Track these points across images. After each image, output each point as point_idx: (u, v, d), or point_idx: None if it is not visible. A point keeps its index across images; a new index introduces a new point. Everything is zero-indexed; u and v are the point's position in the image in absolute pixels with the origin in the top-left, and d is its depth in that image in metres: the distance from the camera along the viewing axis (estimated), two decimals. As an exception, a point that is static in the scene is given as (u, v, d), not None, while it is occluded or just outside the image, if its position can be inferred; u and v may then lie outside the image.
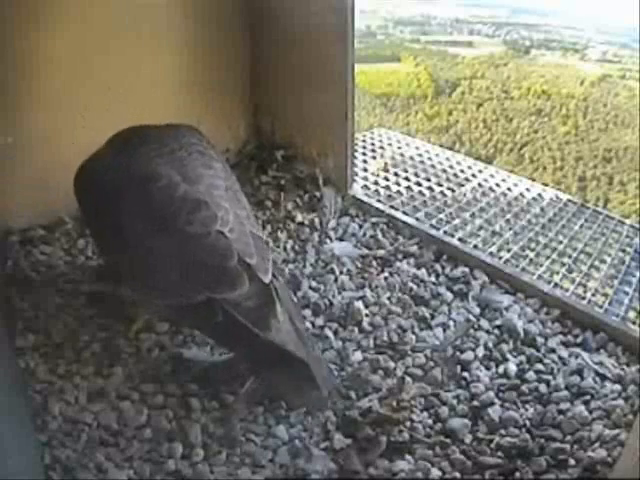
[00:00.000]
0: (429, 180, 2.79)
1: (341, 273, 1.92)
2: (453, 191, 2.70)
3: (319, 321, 1.72)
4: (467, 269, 1.94)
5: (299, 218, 2.18)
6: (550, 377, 1.54)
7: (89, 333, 1.62)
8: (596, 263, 2.28)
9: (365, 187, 2.61)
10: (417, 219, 2.30)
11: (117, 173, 1.51)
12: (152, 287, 1.47)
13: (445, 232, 2.26)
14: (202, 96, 2.33)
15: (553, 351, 1.63)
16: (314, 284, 1.86)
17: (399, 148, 3.19)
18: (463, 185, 2.78)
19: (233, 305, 1.37)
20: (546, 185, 3.11)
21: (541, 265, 2.19)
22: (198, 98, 2.32)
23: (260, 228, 1.63)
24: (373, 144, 3.21)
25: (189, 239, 1.40)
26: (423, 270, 1.94)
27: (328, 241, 2.08)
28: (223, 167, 1.64)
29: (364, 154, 3.05)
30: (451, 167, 2.99)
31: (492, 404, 1.45)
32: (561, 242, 2.38)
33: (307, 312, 1.75)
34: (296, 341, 1.38)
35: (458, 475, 1.30)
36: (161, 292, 1.46)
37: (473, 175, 2.93)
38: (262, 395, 1.45)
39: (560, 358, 1.61)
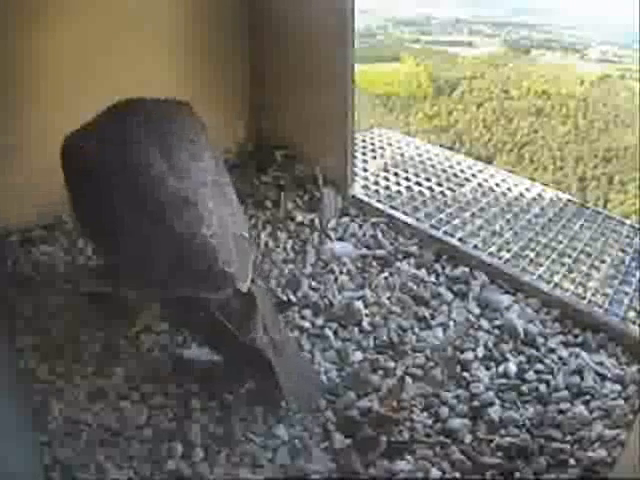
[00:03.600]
0: (429, 180, 2.78)
1: (341, 273, 1.92)
2: (453, 191, 2.69)
3: (319, 321, 1.72)
4: (467, 269, 1.94)
5: (299, 218, 2.18)
6: (550, 377, 1.54)
7: (89, 333, 1.62)
8: (596, 263, 2.28)
9: (365, 187, 2.61)
10: (417, 219, 2.30)
11: (106, 154, 1.49)
12: (135, 273, 1.48)
13: (445, 232, 2.26)
14: (202, 96, 2.32)
15: (553, 351, 1.63)
16: (314, 284, 1.86)
17: (399, 148, 3.19)
18: (463, 185, 2.78)
19: (217, 306, 1.37)
20: (546, 185, 3.11)
21: (541, 265, 2.18)
22: (198, 98, 2.31)
23: (245, 224, 1.59)
24: (373, 144, 3.21)
25: (175, 237, 1.39)
26: (423, 270, 1.94)
27: (328, 241, 2.08)
28: (212, 156, 1.60)
29: (364, 154, 3.05)
30: (451, 167, 2.99)
31: (492, 404, 1.45)
32: (561, 242, 2.38)
33: (307, 312, 1.75)
34: (268, 351, 1.37)
35: (458, 475, 1.30)
36: (144, 280, 1.46)
37: (473, 175, 2.92)
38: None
39: (560, 358, 1.61)
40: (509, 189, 2.82)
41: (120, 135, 1.52)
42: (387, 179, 2.75)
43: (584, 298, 2.03)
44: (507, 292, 1.85)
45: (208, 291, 1.38)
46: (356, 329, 1.69)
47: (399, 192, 2.62)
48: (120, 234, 1.46)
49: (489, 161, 9.71)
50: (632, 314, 1.96)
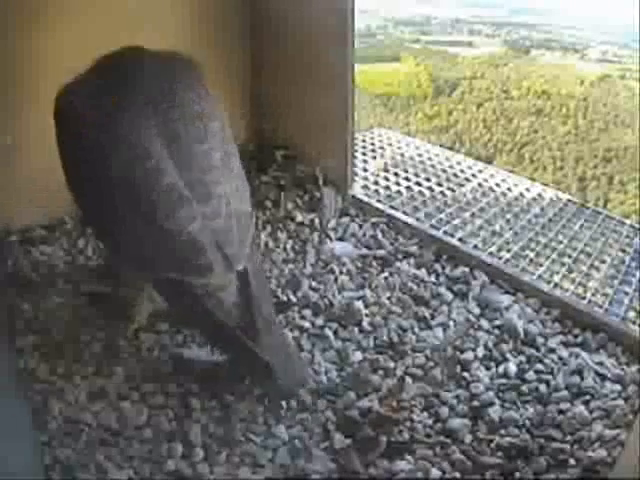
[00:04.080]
0: (429, 180, 2.79)
1: (341, 273, 1.92)
2: (453, 191, 2.70)
3: (319, 321, 1.72)
4: (467, 269, 1.94)
5: (299, 218, 2.18)
6: (550, 377, 1.54)
7: (89, 333, 1.62)
8: (596, 263, 2.28)
9: (365, 187, 2.61)
10: (417, 219, 2.30)
11: (103, 128, 1.41)
12: (122, 252, 1.49)
13: (445, 232, 2.26)
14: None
15: (553, 351, 1.63)
16: (314, 284, 1.86)
17: (399, 148, 3.19)
18: (463, 185, 2.78)
19: (207, 292, 1.38)
20: (546, 185, 3.11)
21: (541, 265, 2.19)
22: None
23: (247, 195, 1.56)
24: (373, 144, 3.21)
25: (165, 234, 1.39)
26: (423, 270, 1.94)
27: (328, 241, 2.08)
28: (218, 126, 1.53)
29: (364, 154, 3.05)
30: (451, 167, 2.99)
31: (492, 404, 1.45)
32: (561, 242, 2.38)
33: (307, 312, 1.75)
34: (260, 335, 1.38)
35: (458, 475, 1.30)
36: (133, 261, 1.47)
37: (473, 175, 2.93)
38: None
39: (560, 358, 1.61)
40: (509, 189, 2.83)
41: (120, 106, 1.43)
42: (387, 179, 2.75)
43: (584, 298, 2.03)
44: (507, 292, 1.85)
45: (194, 276, 1.38)
46: (356, 329, 1.69)
47: (399, 192, 2.62)
48: (110, 215, 1.44)
49: (489, 161, 9.71)
50: (632, 314, 1.96)
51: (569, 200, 2.80)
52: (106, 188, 1.42)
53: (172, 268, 1.39)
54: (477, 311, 1.77)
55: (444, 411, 1.44)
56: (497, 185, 2.85)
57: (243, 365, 1.46)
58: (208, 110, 1.53)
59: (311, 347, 1.63)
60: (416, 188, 2.68)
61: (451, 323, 1.72)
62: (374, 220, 2.21)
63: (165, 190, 1.39)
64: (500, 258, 2.14)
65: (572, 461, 1.31)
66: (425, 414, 1.44)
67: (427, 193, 2.64)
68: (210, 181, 1.43)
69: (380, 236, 2.12)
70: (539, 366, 1.57)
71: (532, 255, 2.24)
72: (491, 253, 2.17)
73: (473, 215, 2.49)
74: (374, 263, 1.98)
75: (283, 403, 1.43)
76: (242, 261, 1.43)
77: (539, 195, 2.81)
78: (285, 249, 2.03)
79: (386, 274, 1.92)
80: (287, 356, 1.45)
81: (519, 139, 13.22)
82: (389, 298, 1.82)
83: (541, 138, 13.09)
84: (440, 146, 3.46)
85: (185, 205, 1.39)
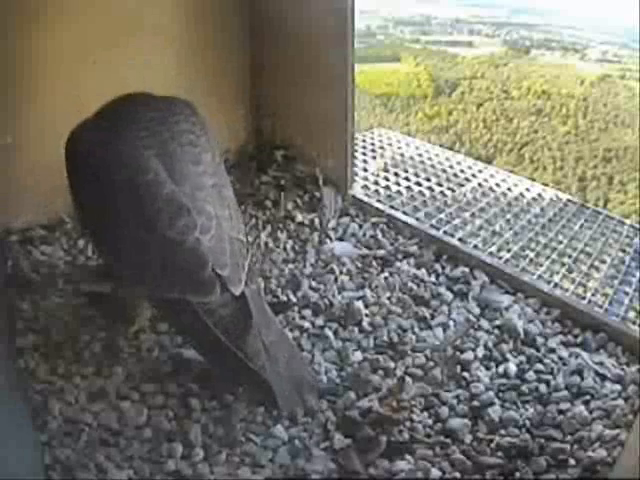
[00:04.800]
0: (429, 180, 2.79)
1: (341, 273, 1.92)
2: (453, 191, 2.70)
3: (319, 321, 1.72)
4: (467, 269, 1.94)
5: (299, 218, 2.18)
6: (550, 377, 1.54)
7: (89, 333, 1.62)
8: (596, 263, 2.28)
9: (365, 187, 2.61)
10: (417, 219, 2.30)
11: (106, 155, 1.49)
12: (127, 273, 1.50)
13: (445, 232, 2.26)
14: (202, 96, 2.32)
15: (553, 351, 1.63)
16: (314, 284, 1.86)
17: (399, 148, 3.19)
18: (463, 185, 2.78)
19: (207, 311, 1.37)
20: (546, 185, 3.11)
21: (541, 265, 2.19)
22: (198, 98, 2.31)
23: (242, 226, 1.58)
24: (373, 144, 3.21)
25: (167, 243, 1.40)
26: (423, 270, 1.94)
27: (328, 241, 2.08)
28: (212, 159, 1.59)
29: (364, 154, 3.05)
30: (451, 167, 2.99)
31: (492, 404, 1.45)
32: (561, 242, 2.38)
33: (307, 312, 1.75)
34: (260, 356, 1.37)
35: (458, 475, 1.30)
36: (134, 281, 1.49)
37: (473, 175, 2.93)
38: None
39: (560, 358, 1.61)
40: (509, 189, 2.83)
41: (121, 135, 1.52)
42: (387, 179, 2.75)
43: (584, 298, 2.03)
44: (507, 292, 1.85)
45: (195, 295, 1.38)
46: (356, 329, 1.69)
47: (399, 192, 2.62)
48: (115, 233, 1.47)
49: (489, 161, 9.71)
50: (632, 314, 1.96)
51: (569, 200, 2.80)
52: (109, 206, 1.47)
53: (173, 286, 1.39)
54: (477, 311, 1.77)
55: (444, 411, 1.44)
56: (497, 185, 2.85)
57: (247, 386, 1.46)
58: (203, 142, 1.60)
59: (311, 347, 1.63)
60: (416, 188, 2.68)
61: (451, 323, 1.72)
62: (374, 220, 2.21)
63: (165, 200, 1.42)
64: (500, 258, 2.14)
65: (572, 461, 1.31)
66: (425, 414, 1.44)
67: (427, 193, 2.64)
68: (202, 198, 1.47)
69: (380, 236, 2.12)
70: (539, 366, 1.57)
71: (532, 255, 2.24)
72: (491, 253, 2.17)
73: (473, 215, 2.49)
74: (374, 263, 1.98)
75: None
76: (239, 285, 1.42)
77: (539, 195, 2.81)
78: (285, 249, 2.03)
79: (386, 274, 1.92)
80: (292, 381, 1.43)
81: (519, 139, 13.22)
82: (389, 298, 1.82)
83: (541, 138, 13.09)
84: (440, 146, 3.46)
85: (185, 214, 1.41)
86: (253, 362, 1.36)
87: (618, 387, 1.51)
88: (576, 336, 1.69)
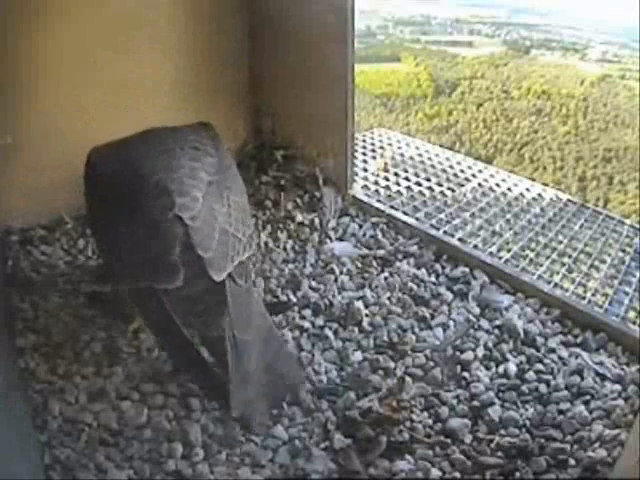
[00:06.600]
0: (429, 180, 2.79)
1: (341, 273, 1.92)
2: (453, 191, 2.69)
3: (319, 321, 1.72)
4: (467, 269, 1.94)
5: (299, 218, 2.18)
6: (550, 377, 1.54)
7: (89, 333, 1.62)
8: (596, 263, 2.28)
9: (365, 187, 2.61)
10: (417, 219, 2.30)
11: (111, 165, 1.54)
12: (114, 269, 1.52)
13: (445, 232, 2.26)
14: (202, 96, 2.33)
15: (553, 351, 1.63)
16: (314, 284, 1.86)
17: (399, 148, 3.19)
18: (463, 185, 2.78)
19: (175, 298, 1.35)
20: (546, 185, 3.11)
21: (541, 265, 2.19)
22: (198, 98, 2.32)
23: (247, 230, 1.53)
24: (373, 144, 3.21)
25: (141, 224, 1.40)
26: (423, 270, 1.94)
27: (328, 241, 2.08)
28: (217, 163, 1.58)
29: (364, 154, 3.05)
30: (451, 167, 2.99)
31: (492, 404, 1.45)
32: (561, 242, 2.38)
33: (307, 312, 1.75)
34: (223, 351, 1.34)
35: (458, 475, 1.30)
36: (117, 274, 1.51)
37: (473, 175, 2.92)
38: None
39: (560, 358, 1.61)
40: (509, 189, 2.83)
41: (133, 159, 1.55)
42: (387, 179, 2.75)
43: (584, 298, 2.03)
44: (507, 292, 1.85)
45: (158, 281, 1.35)
46: (356, 329, 1.69)
47: (399, 192, 2.62)
48: (105, 228, 1.51)
49: (489, 161, 9.71)
50: (632, 314, 1.96)
51: (569, 200, 2.80)
52: (111, 204, 1.49)
53: (142, 273, 1.38)
54: (477, 311, 1.77)
55: (444, 411, 1.44)
56: (497, 185, 2.85)
57: (203, 383, 1.45)
58: (209, 150, 1.61)
59: (311, 347, 1.63)
60: (416, 188, 2.68)
61: (451, 323, 1.72)
62: (374, 220, 2.21)
63: (152, 186, 1.43)
64: (500, 258, 2.14)
65: (572, 461, 1.31)
66: (425, 414, 1.44)
67: (427, 193, 2.64)
68: (191, 184, 1.46)
69: (380, 236, 2.12)
70: (539, 366, 1.57)
71: (532, 255, 2.24)
72: (491, 253, 2.17)
73: (473, 215, 2.49)
74: (374, 263, 1.98)
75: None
76: (222, 272, 1.37)
77: (539, 195, 2.81)
78: (285, 249, 2.03)
79: (386, 274, 1.92)
80: (259, 385, 1.40)
81: (519, 139, 13.23)
82: (389, 298, 1.81)
83: (541, 138, 13.09)
84: (440, 146, 3.46)
85: (165, 195, 1.41)
86: (215, 356, 1.35)
87: (618, 387, 1.51)
88: (576, 336, 1.69)
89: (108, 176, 1.53)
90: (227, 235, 1.44)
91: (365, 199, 2.34)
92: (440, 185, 2.74)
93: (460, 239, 2.22)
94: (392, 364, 1.57)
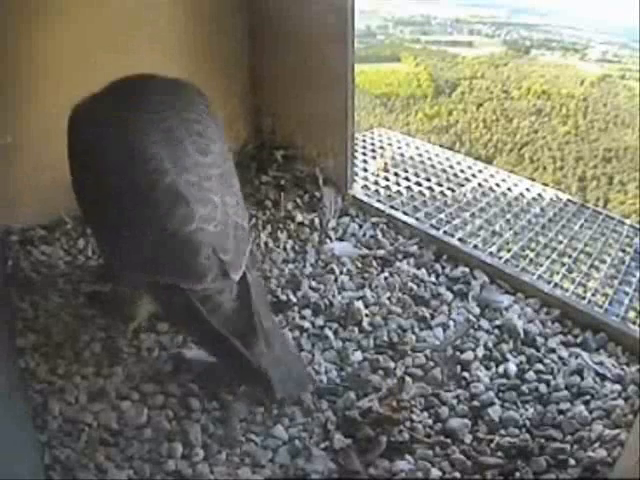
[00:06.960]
0: (429, 180, 2.79)
1: (341, 273, 1.92)
2: (453, 191, 2.69)
3: (319, 321, 1.72)
4: (467, 269, 1.94)
5: (299, 218, 2.18)
6: (550, 377, 1.54)
7: (89, 333, 1.62)
8: (596, 263, 2.28)
9: (365, 187, 2.61)
10: (417, 219, 2.30)
11: (109, 138, 1.48)
12: (121, 256, 1.48)
13: (445, 232, 2.26)
14: (202, 96, 2.32)
15: (553, 351, 1.63)
16: (314, 284, 1.86)
17: (399, 148, 3.19)
18: (463, 185, 2.78)
19: (201, 297, 1.37)
20: (546, 185, 3.11)
21: (541, 265, 2.19)
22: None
23: (245, 213, 1.59)
24: (373, 144, 3.21)
25: (163, 232, 1.39)
26: (423, 270, 1.94)
27: (328, 241, 2.08)
28: (220, 149, 1.58)
29: (364, 154, 3.05)
30: (451, 167, 2.99)
31: (492, 404, 1.45)
32: (561, 242, 2.38)
33: (307, 312, 1.75)
34: (259, 343, 1.37)
35: (458, 475, 1.30)
36: (129, 264, 1.47)
37: (473, 175, 2.92)
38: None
39: (560, 358, 1.61)
40: (509, 189, 2.83)
41: (127, 118, 1.50)
42: (387, 179, 2.75)
43: (584, 298, 2.03)
44: (507, 292, 1.85)
45: (186, 281, 1.38)
46: (356, 329, 1.69)
47: (399, 192, 2.62)
48: (112, 218, 1.47)
49: (489, 161, 9.72)
50: (632, 314, 1.96)
51: (569, 200, 2.80)
52: (108, 189, 1.46)
53: (166, 272, 1.39)
54: (477, 311, 1.77)
55: (444, 411, 1.44)
56: (497, 185, 2.85)
57: (239, 372, 1.45)
58: (211, 131, 1.59)
59: (311, 347, 1.63)
60: (416, 188, 2.68)
61: (451, 323, 1.72)
62: (374, 220, 2.21)
63: (165, 189, 1.40)
64: (500, 258, 2.14)
65: (572, 461, 1.31)
66: (425, 414, 1.43)
67: (427, 193, 2.64)
68: (208, 188, 1.46)
69: (380, 236, 2.12)
70: (539, 366, 1.57)
71: (532, 255, 2.24)
72: (491, 253, 2.16)
73: (473, 215, 2.49)
74: (374, 263, 1.97)
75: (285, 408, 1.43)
76: (239, 270, 1.43)
77: (539, 195, 2.81)
78: (285, 249, 2.03)
79: (386, 274, 1.92)
80: (288, 367, 1.43)
81: (519, 139, 13.24)
82: (389, 298, 1.81)
83: (541, 138, 13.11)
84: (440, 146, 3.45)
85: (184, 205, 1.40)
86: (251, 349, 1.35)
87: (618, 387, 1.51)
88: (576, 336, 1.69)
89: (103, 157, 1.47)
90: (238, 229, 1.48)
91: (365, 199, 2.34)
92: (440, 185, 2.74)
93: (460, 239, 2.22)
94: (392, 364, 1.57)
